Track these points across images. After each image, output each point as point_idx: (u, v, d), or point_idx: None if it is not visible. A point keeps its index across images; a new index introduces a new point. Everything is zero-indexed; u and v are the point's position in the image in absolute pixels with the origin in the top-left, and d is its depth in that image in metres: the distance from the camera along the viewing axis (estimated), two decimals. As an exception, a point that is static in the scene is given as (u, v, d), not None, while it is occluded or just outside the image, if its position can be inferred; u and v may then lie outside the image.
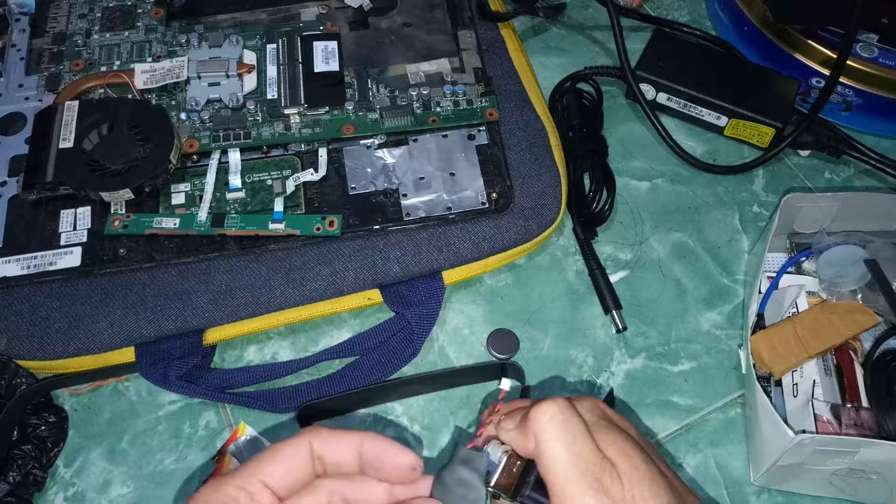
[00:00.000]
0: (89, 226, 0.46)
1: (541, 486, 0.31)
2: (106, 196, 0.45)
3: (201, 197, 0.47)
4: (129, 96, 0.50)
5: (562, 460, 0.29)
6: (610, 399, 0.45)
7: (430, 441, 0.44)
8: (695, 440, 0.45)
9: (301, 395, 0.45)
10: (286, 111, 0.49)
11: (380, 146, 0.49)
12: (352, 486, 0.30)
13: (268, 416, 0.45)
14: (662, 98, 0.55)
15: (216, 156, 0.48)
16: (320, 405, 0.44)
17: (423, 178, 0.48)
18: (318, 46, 0.52)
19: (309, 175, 0.48)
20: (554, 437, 0.30)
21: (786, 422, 0.38)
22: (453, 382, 0.46)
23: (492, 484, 0.31)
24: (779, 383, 0.44)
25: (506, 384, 0.35)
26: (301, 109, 0.49)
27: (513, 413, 0.32)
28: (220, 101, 0.49)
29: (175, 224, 0.45)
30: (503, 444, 0.32)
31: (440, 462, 0.41)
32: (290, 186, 0.47)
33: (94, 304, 0.44)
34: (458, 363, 0.47)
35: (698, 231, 0.52)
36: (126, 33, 0.53)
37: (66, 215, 0.46)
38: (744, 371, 0.46)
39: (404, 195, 0.47)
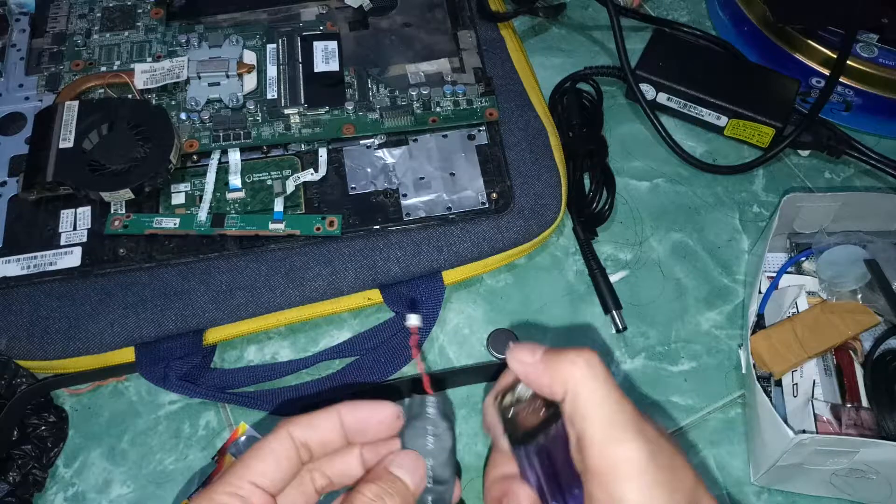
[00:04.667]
0: (89, 226, 0.46)
1: (546, 453, 0.29)
2: (106, 196, 0.45)
3: (201, 197, 0.47)
4: (129, 96, 0.50)
5: (604, 405, 0.28)
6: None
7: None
8: (695, 440, 0.45)
9: (301, 395, 0.45)
10: (286, 111, 0.49)
11: (380, 146, 0.49)
12: (326, 460, 0.30)
13: (268, 416, 0.45)
14: (662, 98, 0.55)
15: (216, 156, 0.48)
16: (319, 405, 0.44)
17: (423, 178, 0.48)
18: (318, 46, 0.52)
19: (309, 175, 0.48)
20: (594, 384, 0.28)
21: (786, 422, 0.38)
22: (453, 382, 0.46)
23: (509, 415, 0.30)
24: (779, 383, 0.44)
25: (414, 320, 0.33)
26: (301, 109, 0.49)
27: (531, 348, 0.30)
28: (220, 101, 0.49)
29: (175, 224, 0.45)
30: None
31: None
32: (290, 186, 0.47)
33: (94, 304, 0.44)
34: (458, 363, 0.47)
35: (698, 231, 0.52)
36: (126, 33, 0.53)
37: (66, 215, 0.46)
38: (744, 371, 0.46)
39: (404, 195, 0.47)
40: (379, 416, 0.30)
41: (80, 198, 0.46)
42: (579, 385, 0.28)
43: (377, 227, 0.46)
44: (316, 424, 0.30)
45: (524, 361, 0.30)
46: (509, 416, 0.30)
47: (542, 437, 0.30)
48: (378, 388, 0.45)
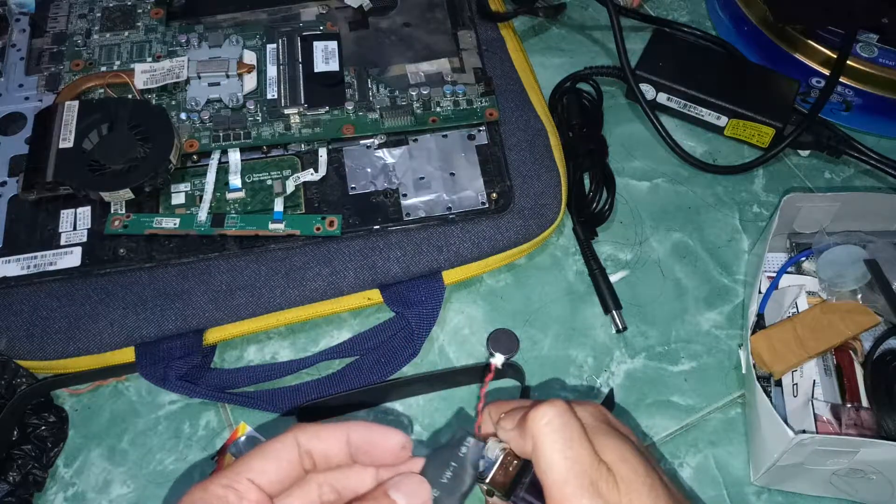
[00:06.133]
0: (89, 226, 0.46)
1: (535, 489, 0.31)
2: (106, 196, 0.45)
3: (201, 197, 0.47)
4: (129, 96, 0.50)
5: (558, 463, 0.29)
6: (610, 399, 0.45)
7: (430, 441, 0.44)
8: (695, 440, 0.45)
9: (301, 395, 0.45)
10: (286, 111, 0.49)
11: (380, 146, 0.49)
12: (341, 476, 0.30)
13: (268, 416, 0.45)
14: (662, 98, 0.55)
15: (216, 156, 0.48)
16: (320, 405, 0.44)
17: (423, 178, 0.48)
18: (318, 46, 0.52)
19: (309, 175, 0.48)
20: (551, 440, 0.30)
21: (786, 422, 0.38)
22: (453, 382, 0.46)
23: (487, 480, 0.31)
24: (779, 383, 0.44)
25: (499, 360, 0.34)
26: (301, 109, 0.49)
27: (512, 412, 0.32)
28: (220, 101, 0.49)
29: (175, 224, 0.45)
30: (501, 441, 0.32)
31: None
32: (290, 186, 0.47)
33: (94, 304, 0.44)
34: (458, 363, 0.47)
35: (698, 231, 0.52)
36: (126, 33, 0.53)
37: (66, 215, 0.46)
38: (744, 371, 0.46)
39: (404, 195, 0.47)
40: (386, 442, 0.30)
41: (80, 198, 0.46)
42: (540, 440, 0.30)
43: (377, 227, 0.46)
44: (322, 436, 0.29)
45: (506, 429, 0.32)
46: (487, 481, 0.31)
47: (528, 478, 0.31)
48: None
